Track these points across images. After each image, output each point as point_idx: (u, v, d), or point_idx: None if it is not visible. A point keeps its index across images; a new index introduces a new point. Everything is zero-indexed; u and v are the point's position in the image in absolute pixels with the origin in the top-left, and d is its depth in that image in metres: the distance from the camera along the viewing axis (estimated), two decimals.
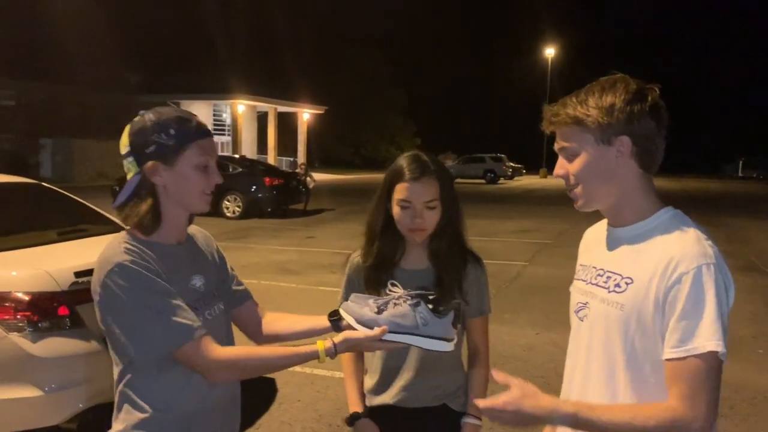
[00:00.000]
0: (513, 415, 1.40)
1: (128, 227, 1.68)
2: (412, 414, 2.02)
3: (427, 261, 2.04)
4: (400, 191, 1.97)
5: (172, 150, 1.62)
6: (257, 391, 4.60)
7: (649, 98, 1.44)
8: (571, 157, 1.50)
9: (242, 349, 1.65)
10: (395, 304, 1.63)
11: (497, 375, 1.51)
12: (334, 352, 1.61)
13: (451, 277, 2.00)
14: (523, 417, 1.40)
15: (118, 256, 1.57)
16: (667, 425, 1.29)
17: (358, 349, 1.65)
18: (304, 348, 1.61)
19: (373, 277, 2.06)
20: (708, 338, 1.30)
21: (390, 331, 1.59)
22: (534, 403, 1.40)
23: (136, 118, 1.67)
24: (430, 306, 1.63)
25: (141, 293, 1.55)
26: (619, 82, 1.46)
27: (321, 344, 1.61)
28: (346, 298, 2.05)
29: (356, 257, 2.13)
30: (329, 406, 4.52)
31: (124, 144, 1.65)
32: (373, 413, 2.07)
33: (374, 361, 2.10)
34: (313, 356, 1.60)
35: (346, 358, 2.15)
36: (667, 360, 1.34)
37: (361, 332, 1.60)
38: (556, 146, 1.54)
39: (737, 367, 5.23)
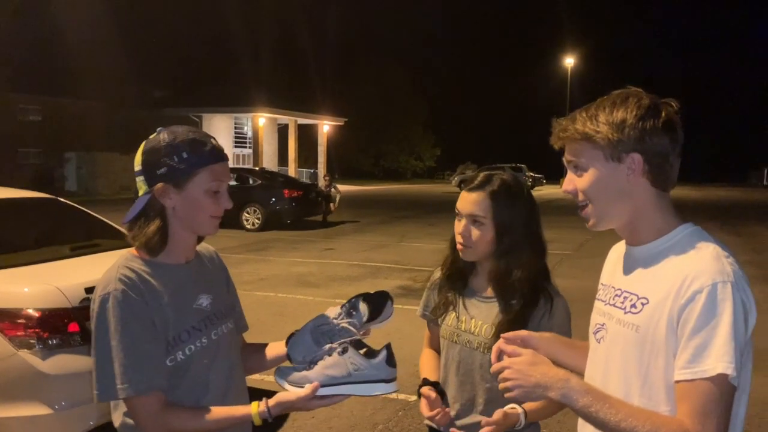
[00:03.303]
0: (520, 377, 1.36)
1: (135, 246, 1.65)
2: None
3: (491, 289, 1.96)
4: (458, 199, 1.95)
5: (183, 173, 1.59)
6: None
7: (663, 114, 1.36)
8: (579, 173, 1.44)
9: (182, 414, 1.59)
10: (326, 355, 1.57)
11: (505, 346, 1.48)
12: (268, 416, 1.57)
13: (510, 317, 1.87)
14: (531, 383, 1.35)
15: (112, 284, 1.55)
16: None
17: (294, 410, 1.61)
18: (239, 411, 1.59)
19: (444, 290, 2.04)
20: (718, 360, 1.22)
21: (324, 385, 1.54)
22: (544, 370, 1.36)
23: (152, 136, 1.64)
24: (363, 350, 1.55)
25: (114, 329, 1.52)
26: (631, 96, 1.39)
27: (255, 407, 1.58)
28: (422, 311, 2.15)
29: (437, 272, 2.11)
30: (343, 423, 4.45)
31: (137, 161, 1.63)
32: None
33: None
34: (248, 419, 1.58)
35: (426, 355, 2.14)
36: (676, 381, 1.27)
37: (293, 393, 1.56)
38: (564, 159, 1.47)
39: (764, 381, 5.05)
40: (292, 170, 36.31)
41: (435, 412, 1.86)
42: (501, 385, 1.40)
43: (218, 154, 1.64)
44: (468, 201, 1.90)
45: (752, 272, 9.96)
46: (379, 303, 1.69)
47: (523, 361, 1.39)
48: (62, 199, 4.90)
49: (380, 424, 4.43)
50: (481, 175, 1.94)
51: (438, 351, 2.11)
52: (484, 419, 1.77)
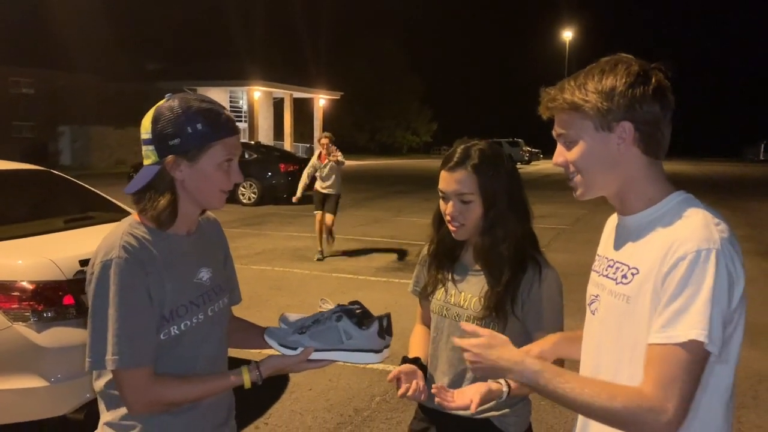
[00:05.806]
0: (478, 359, 1.43)
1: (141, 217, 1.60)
2: (451, 420, 1.88)
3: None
4: (439, 180, 1.89)
5: (196, 146, 1.52)
6: (268, 380, 4.48)
7: (653, 80, 1.32)
8: (569, 145, 1.40)
9: (170, 386, 1.56)
10: (319, 321, 1.61)
11: (466, 326, 1.54)
12: (260, 378, 1.59)
13: (498, 288, 1.84)
14: (488, 366, 1.41)
15: (115, 251, 1.50)
16: (633, 409, 1.19)
17: (285, 372, 1.62)
18: (229, 376, 1.59)
19: (433, 268, 2.01)
20: (692, 326, 1.19)
21: (315, 350, 1.59)
22: (500, 353, 1.41)
23: (164, 103, 1.55)
24: (355, 320, 1.60)
25: (113, 298, 1.48)
26: (620, 63, 1.34)
27: (246, 372, 1.59)
28: (413, 287, 2.14)
29: (426, 248, 2.08)
30: (340, 395, 4.47)
31: (146, 129, 1.55)
32: (427, 413, 2.01)
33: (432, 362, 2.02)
34: (239, 384, 1.59)
35: (418, 331, 2.13)
36: (649, 344, 1.24)
37: (288, 358, 1.59)
38: (554, 133, 1.44)
39: (759, 355, 5.08)
40: (287, 144, 36.15)
41: (404, 388, 1.84)
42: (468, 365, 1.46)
43: (232, 127, 1.59)
44: (452, 181, 1.84)
45: (748, 247, 9.98)
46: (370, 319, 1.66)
47: (480, 344, 1.43)
48: (56, 172, 4.85)
49: (377, 396, 4.45)
50: (458, 150, 1.87)
51: (429, 327, 2.09)
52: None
